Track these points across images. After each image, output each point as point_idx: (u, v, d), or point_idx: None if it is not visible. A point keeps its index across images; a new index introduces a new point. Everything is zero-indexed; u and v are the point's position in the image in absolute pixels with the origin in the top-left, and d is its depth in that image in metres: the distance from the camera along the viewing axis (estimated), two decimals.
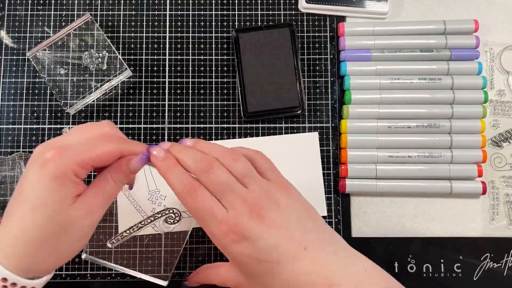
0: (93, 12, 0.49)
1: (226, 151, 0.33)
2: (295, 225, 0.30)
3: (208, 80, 0.49)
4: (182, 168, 0.32)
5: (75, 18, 0.49)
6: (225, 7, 0.50)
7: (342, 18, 0.50)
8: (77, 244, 0.31)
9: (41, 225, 0.28)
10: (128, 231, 0.42)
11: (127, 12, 0.49)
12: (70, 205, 0.30)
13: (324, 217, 0.47)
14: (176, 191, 0.32)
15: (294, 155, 0.47)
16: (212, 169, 0.31)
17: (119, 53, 0.48)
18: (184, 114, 0.48)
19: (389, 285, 0.30)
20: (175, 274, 0.46)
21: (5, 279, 0.28)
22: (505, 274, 0.46)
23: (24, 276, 0.29)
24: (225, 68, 0.49)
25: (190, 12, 0.49)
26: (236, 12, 0.50)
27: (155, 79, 0.48)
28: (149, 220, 0.42)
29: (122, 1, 0.50)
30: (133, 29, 0.49)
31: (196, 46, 0.49)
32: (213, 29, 0.49)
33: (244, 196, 0.30)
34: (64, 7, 0.49)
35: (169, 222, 0.42)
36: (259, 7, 0.50)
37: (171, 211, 0.42)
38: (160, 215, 0.42)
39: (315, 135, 0.48)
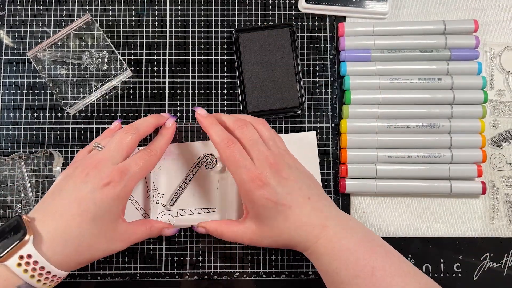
0: (93, 12, 0.49)
1: (256, 119, 0.42)
2: (302, 182, 0.38)
3: (208, 80, 0.49)
4: (221, 125, 0.40)
5: (75, 18, 0.49)
6: (225, 7, 0.50)
7: (342, 18, 0.50)
8: (108, 252, 0.38)
9: (95, 233, 0.36)
10: (180, 188, 0.46)
11: (127, 12, 0.49)
12: (120, 218, 0.38)
13: None
14: (216, 142, 0.39)
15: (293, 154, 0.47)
16: (247, 127, 0.39)
17: (119, 53, 0.48)
18: (184, 114, 0.48)
19: (369, 233, 0.37)
20: (175, 274, 0.46)
21: (43, 268, 0.33)
22: (505, 274, 0.46)
23: (59, 269, 0.34)
24: (225, 68, 0.49)
25: (190, 12, 0.49)
26: (236, 12, 0.50)
27: (155, 79, 0.48)
28: (194, 172, 0.46)
29: (122, 1, 0.50)
30: (133, 29, 0.49)
31: (196, 46, 0.49)
32: (213, 29, 0.49)
33: (267, 153, 0.38)
34: (64, 7, 0.49)
35: (208, 167, 0.46)
36: (259, 7, 0.50)
37: (207, 157, 0.46)
38: (200, 164, 0.47)
39: (313, 134, 0.48)
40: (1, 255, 0.31)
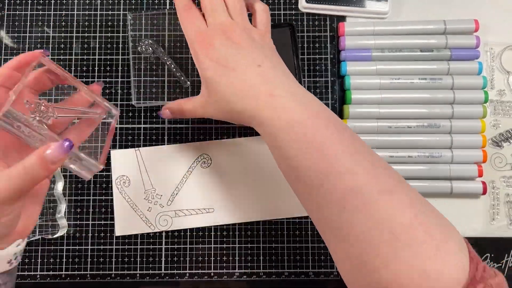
0: (92, 12, 0.49)
1: None
2: (258, 50, 0.36)
3: None
4: None
5: (75, 18, 0.49)
6: None
7: (342, 18, 0.50)
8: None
9: None
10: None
11: (127, 12, 0.49)
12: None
13: None
14: (177, 6, 0.38)
15: None
16: None
17: (118, 53, 0.49)
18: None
19: (325, 111, 0.34)
20: (175, 274, 0.46)
21: None
22: (505, 274, 0.46)
23: None
24: None
25: None
26: None
27: (154, 78, 0.48)
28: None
29: (122, 1, 0.50)
30: (132, 27, 0.49)
31: None
32: None
33: (224, 20, 0.36)
34: (64, 6, 0.49)
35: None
36: None
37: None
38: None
39: None
40: None
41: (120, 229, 0.46)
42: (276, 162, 0.35)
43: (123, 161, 0.47)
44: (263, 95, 0.33)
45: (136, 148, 0.47)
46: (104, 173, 0.47)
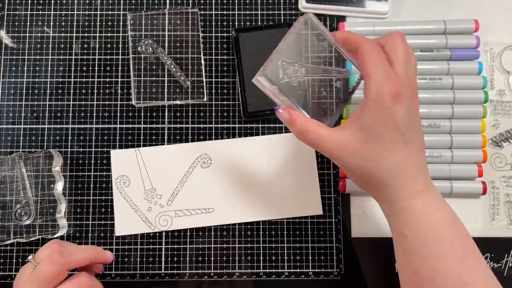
0: (92, 12, 0.49)
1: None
2: (421, 131, 0.34)
3: (208, 80, 0.49)
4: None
5: (75, 18, 0.49)
6: (225, 7, 0.50)
7: (342, 18, 0.50)
8: None
9: None
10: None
11: (127, 12, 0.49)
12: None
13: (321, 216, 0.47)
14: (361, 41, 0.33)
15: (290, 153, 0.47)
16: (404, 40, 0.33)
17: (118, 53, 0.49)
18: (184, 114, 0.48)
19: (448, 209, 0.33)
20: (175, 274, 0.46)
21: None
22: (505, 274, 0.46)
23: None
24: (225, 68, 0.49)
25: (190, 11, 0.49)
26: (236, 12, 0.50)
27: (154, 78, 0.48)
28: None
29: (122, 1, 0.50)
30: (131, 27, 0.49)
31: (196, 45, 0.49)
32: (213, 29, 0.49)
33: (411, 78, 0.32)
34: (64, 7, 0.49)
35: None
36: (259, 7, 0.50)
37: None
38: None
39: None
40: None
41: (120, 229, 0.46)
42: (398, 251, 0.33)
43: (123, 161, 0.47)
44: (419, 185, 0.32)
45: (136, 148, 0.47)
46: (104, 173, 0.47)
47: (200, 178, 0.47)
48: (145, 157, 0.47)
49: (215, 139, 0.48)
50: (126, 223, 0.46)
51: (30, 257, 0.38)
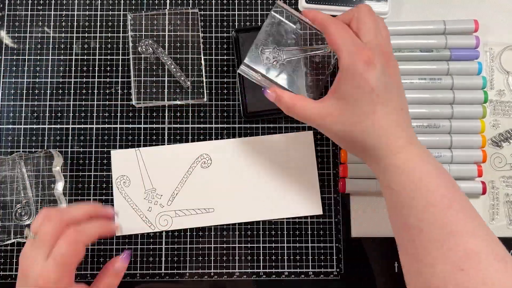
0: (92, 12, 0.49)
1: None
2: (400, 90, 0.35)
3: (208, 80, 0.49)
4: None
5: (75, 18, 0.49)
6: (225, 7, 0.50)
7: None
8: None
9: None
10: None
11: (127, 12, 0.49)
12: None
13: (321, 216, 0.47)
14: (325, 19, 0.36)
15: (290, 153, 0.47)
16: (372, 11, 0.36)
17: (118, 53, 0.49)
18: (184, 114, 0.48)
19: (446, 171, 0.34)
20: (175, 274, 0.46)
21: None
22: None
23: None
24: (225, 68, 0.49)
25: (190, 11, 0.49)
26: (236, 12, 0.50)
27: (154, 78, 0.48)
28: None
29: (122, 1, 0.50)
30: (132, 28, 0.49)
31: (196, 45, 0.49)
32: (213, 29, 0.49)
33: (383, 45, 0.34)
34: (64, 7, 0.49)
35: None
36: (259, 7, 0.50)
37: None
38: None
39: (310, 134, 0.48)
40: None
41: (120, 229, 0.46)
42: (389, 207, 0.35)
43: (123, 161, 0.47)
44: (402, 140, 0.33)
45: (136, 148, 0.47)
46: (104, 173, 0.47)
47: (200, 178, 0.47)
48: (145, 157, 0.47)
49: (215, 139, 0.48)
50: (126, 223, 0.46)
51: (25, 234, 0.38)
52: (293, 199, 0.47)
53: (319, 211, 0.47)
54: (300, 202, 0.47)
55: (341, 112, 0.34)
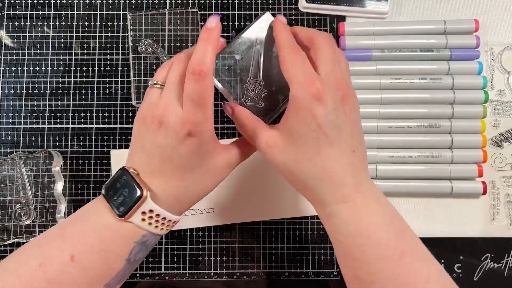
0: (92, 12, 0.49)
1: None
2: (356, 129, 0.32)
3: None
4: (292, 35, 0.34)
5: (75, 18, 0.49)
6: (225, 7, 0.50)
7: (342, 18, 0.50)
8: (211, 181, 0.34)
9: (199, 178, 0.33)
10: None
11: (127, 12, 0.49)
12: (215, 151, 0.34)
13: None
14: (282, 44, 0.33)
15: None
16: (332, 41, 0.33)
17: (118, 53, 0.49)
18: None
19: (397, 213, 0.32)
20: (175, 274, 0.46)
21: (164, 218, 0.32)
22: (505, 275, 0.46)
23: (176, 215, 0.33)
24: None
25: (190, 10, 0.49)
26: (236, 12, 0.50)
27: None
28: None
29: (122, 1, 0.50)
30: (131, 27, 0.49)
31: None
32: None
33: (339, 76, 0.31)
34: (64, 6, 0.49)
35: None
36: (259, 7, 0.50)
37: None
38: None
39: None
40: (125, 215, 0.31)
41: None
42: (338, 256, 0.33)
43: (123, 161, 0.47)
44: (349, 188, 0.31)
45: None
46: (104, 173, 0.47)
47: None
48: None
49: None
50: None
51: (150, 82, 0.34)
52: (293, 199, 0.47)
53: None
54: (300, 202, 0.47)
55: (286, 145, 0.32)
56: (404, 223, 0.32)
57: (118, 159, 0.47)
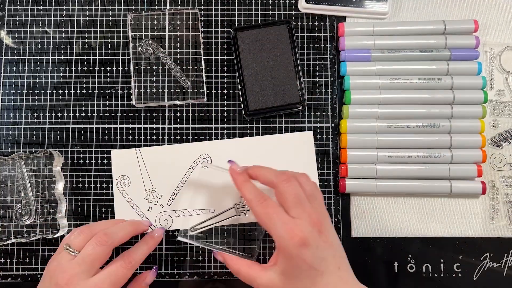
0: (92, 12, 0.49)
1: (297, 173, 0.39)
2: (337, 248, 0.37)
3: (208, 80, 0.49)
4: (253, 184, 0.39)
5: (76, 18, 0.49)
6: (225, 7, 0.50)
7: (342, 18, 0.50)
8: None
9: None
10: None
11: (127, 12, 0.49)
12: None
13: None
14: (248, 199, 0.37)
15: (290, 154, 0.47)
16: (290, 182, 0.37)
17: (118, 53, 0.49)
18: (184, 114, 0.48)
19: None
20: (175, 274, 0.46)
21: None
22: (504, 274, 0.46)
23: None
24: (225, 68, 0.49)
25: (190, 11, 0.49)
26: (236, 12, 0.50)
27: (154, 78, 0.48)
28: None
29: (122, 1, 0.50)
30: (132, 28, 0.49)
31: (196, 45, 0.49)
32: (213, 29, 0.49)
33: (310, 211, 0.36)
34: (64, 7, 0.49)
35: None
36: (259, 7, 0.50)
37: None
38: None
39: (310, 134, 0.48)
40: None
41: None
42: None
43: (123, 161, 0.47)
44: None
45: (136, 148, 0.47)
46: (105, 173, 0.47)
47: (200, 178, 0.47)
48: (146, 157, 0.47)
49: (215, 139, 0.48)
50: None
51: (65, 245, 0.38)
52: None
53: None
54: None
55: (283, 285, 0.36)
56: None
57: (119, 159, 0.47)
